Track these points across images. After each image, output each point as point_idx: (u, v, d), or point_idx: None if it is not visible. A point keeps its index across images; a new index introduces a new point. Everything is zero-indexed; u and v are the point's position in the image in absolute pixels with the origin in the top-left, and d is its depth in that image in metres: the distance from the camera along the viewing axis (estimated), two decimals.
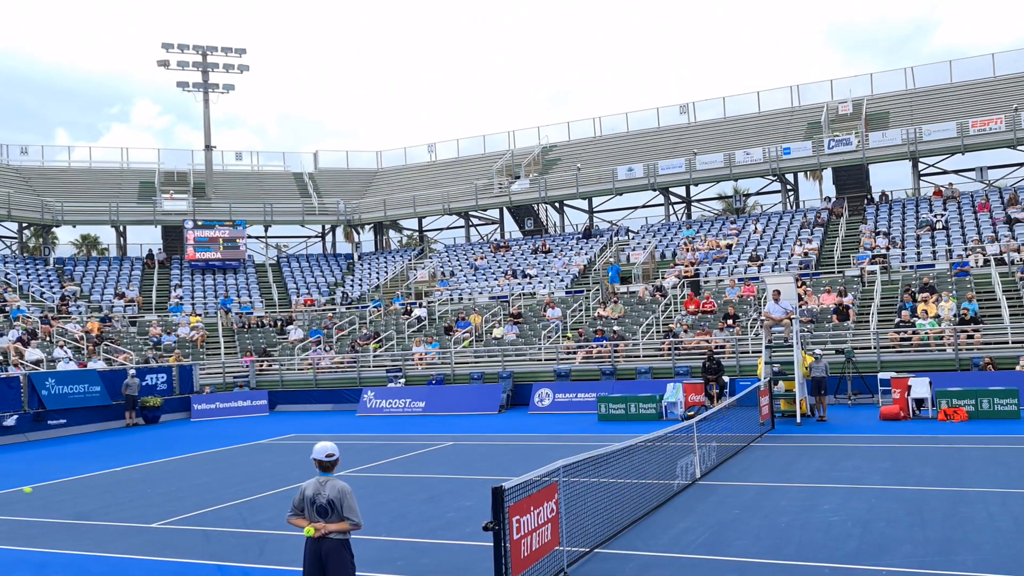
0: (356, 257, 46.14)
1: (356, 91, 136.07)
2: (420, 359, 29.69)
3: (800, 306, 25.42)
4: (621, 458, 10.44)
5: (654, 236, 38.21)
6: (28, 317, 31.08)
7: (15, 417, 23.35)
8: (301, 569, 6.44)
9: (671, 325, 27.88)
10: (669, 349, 26.19)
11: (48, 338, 29.72)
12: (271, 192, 46.30)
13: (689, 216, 42.83)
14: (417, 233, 49.68)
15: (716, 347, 25.00)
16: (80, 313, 34.45)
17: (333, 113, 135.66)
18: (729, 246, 34.57)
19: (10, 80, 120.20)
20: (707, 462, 13.55)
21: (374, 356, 30.97)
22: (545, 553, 7.87)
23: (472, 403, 25.96)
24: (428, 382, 28.27)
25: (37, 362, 27.07)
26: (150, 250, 42.87)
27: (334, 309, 37.82)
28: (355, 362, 30.54)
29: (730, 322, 26.74)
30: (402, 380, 28.65)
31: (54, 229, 42.83)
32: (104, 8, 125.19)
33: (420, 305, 35.08)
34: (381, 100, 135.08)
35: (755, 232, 35.34)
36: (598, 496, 9.61)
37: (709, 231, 37.26)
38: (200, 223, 41.26)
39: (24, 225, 42.00)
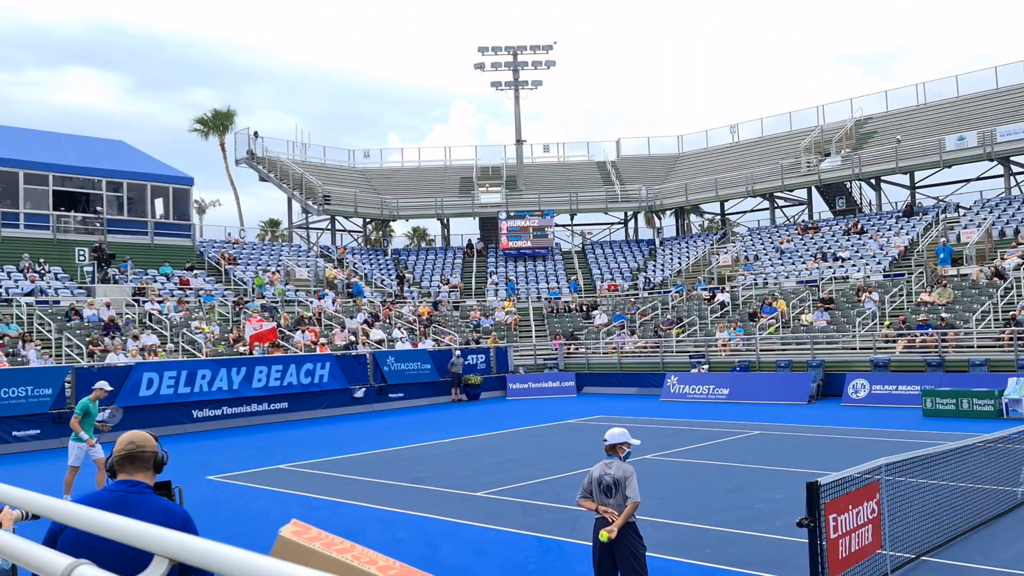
0: (658, 242, 46.37)
1: (656, 77, 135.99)
2: (724, 345, 29.22)
3: None
4: (952, 459, 9.59)
5: (991, 212, 33.91)
6: (372, 301, 35.36)
7: (363, 390, 26.77)
8: (591, 543, 6.81)
9: (1014, 312, 24.68)
10: (1011, 339, 23.24)
11: (388, 320, 33.57)
12: (576, 181, 47.98)
13: None
14: (719, 217, 48.69)
15: None
16: (413, 298, 38.48)
17: (634, 100, 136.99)
18: None
19: (352, 94, 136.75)
20: None
21: (677, 341, 31.03)
22: (865, 556, 7.52)
23: (779, 392, 25.07)
24: (732, 369, 27.75)
25: (379, 341, 30.73)
26: (469, 240, 46.56)
27: (637, 294, 38.42)
28: (658, 347, 30.83)
29: None
30: (705, 366, 28.41)
31: (391, 223, 48.15)
32: (426, 24, 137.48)
33: (723, 290, 34.46)
34: (681, 85, 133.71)
35: None
36: (925, 499, 8.93)
37: None
38: (512, 214, 43.98)
39: (367, 220, 47.63)
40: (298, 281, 37.23)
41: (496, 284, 41.42)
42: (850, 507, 7.30)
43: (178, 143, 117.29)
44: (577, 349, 33.47)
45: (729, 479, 13.32)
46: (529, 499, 12.24)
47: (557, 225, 46.13)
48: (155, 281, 31.88)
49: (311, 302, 33.46)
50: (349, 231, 47.86)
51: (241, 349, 26.52)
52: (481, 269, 43.46)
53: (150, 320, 27.93)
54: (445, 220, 47.44)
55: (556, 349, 33.35)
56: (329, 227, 45.40)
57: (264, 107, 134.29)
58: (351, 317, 32.48)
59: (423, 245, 57.01)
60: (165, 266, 33.29)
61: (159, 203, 35.75)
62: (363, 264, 41.99)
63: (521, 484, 13.44)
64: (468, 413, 25.40)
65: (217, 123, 56.92)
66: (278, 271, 36.72)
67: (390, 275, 41.56)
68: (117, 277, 30.73)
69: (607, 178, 48.33)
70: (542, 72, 47.56)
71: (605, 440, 6.87)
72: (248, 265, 37.03)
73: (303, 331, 29.08)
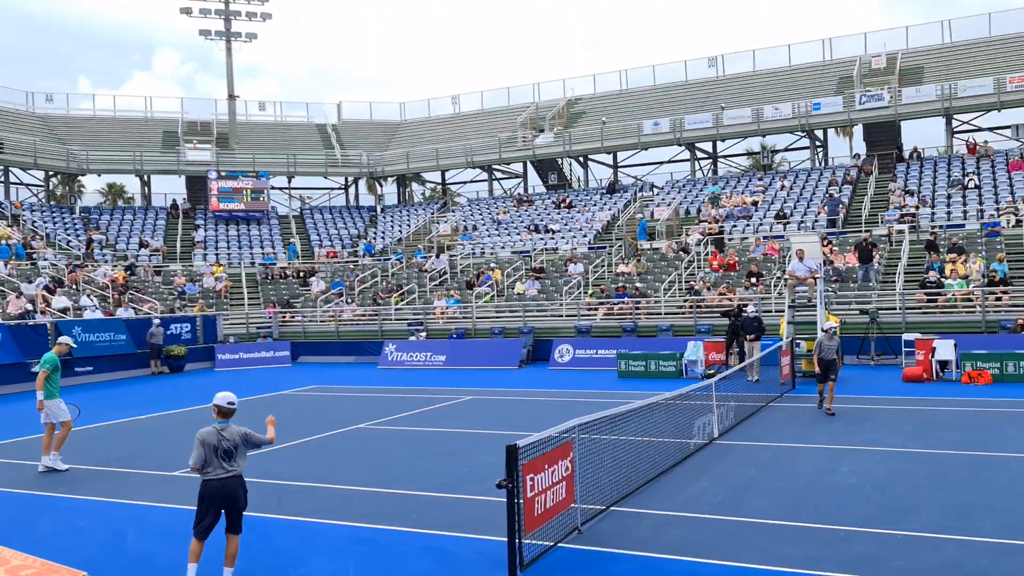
0: (379, 210, 46.09)
1: (380, 41, 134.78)
2: (441, 313, 29.76)
3: (825, 265, 25.12)
4: (638, 416, 10.40)
5: (679, 192, 37.77)
6: (55, 264, 31.44)
7: None
8: (298, 518, 7.11)
9: (693, 283, 27.67)
10: (691, 307, 26.03)
11: (75, 286, 30.07)
12: (294, 143, 46.18)
13: (715, 172, 42.25)
14: (440, 186, 49.49)
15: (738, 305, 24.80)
16: (106, 262, 34.80)
17: (357, 63, 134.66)
18: (755, 203, 34.11)
19: (35, 25, 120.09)
20: (725, 422, 13.50)
21: (396, 309, 31.09)
22: (560, 511, 7.88)
23: (493, 358, 26.04)
24: (449, 336, 28.36)
25: (64, 310, 27.43)
26: (174, 200, 43.06)
27: (356, 261, 37.92)
28: (377, 315, 30.68)
29: (754, 280, 26.49)
30: (423, 334, 28.76)
31: (80, 178, 43.09)
32: None
33: (439, 257, 35.06)
34: (406, 50, 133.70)
35: (782, 189, 34.80)
36: (614, 454, 9.60)
37: (735, 188, 36.75)
38: (224, 174, 41.32)
39: (50, 173, 42.27)
40: None
41: (205, 247, 38.75)
42: (546, 466, 7.60)
43: None
44: (293, 317, 32.35)
45: (443, 444, 13.50)
46: None
47: (273, 188, 44.17)
48: None
49: None
50: (28, 185, 42.18)
51: None
52: (187, 232, 40.42)
53: None
54: (146, 177, 43.45)
55: (270, 317, 31.97)
56: (2, 179, 39.64)
57: None
58: (29, 282, 28.64)
59: (120, 204, 51.76)
60: None
61: None
62: (44, 223, 37.21)
63: None
64: (170, 386, 23.56)
65: None
66: None
67: (78, 236, 37.25)
68: None
69: (327, 141, 47.06)
70: (257, 24, 45.00)
71: (216, 404, 7.15)
72: None
73: None
